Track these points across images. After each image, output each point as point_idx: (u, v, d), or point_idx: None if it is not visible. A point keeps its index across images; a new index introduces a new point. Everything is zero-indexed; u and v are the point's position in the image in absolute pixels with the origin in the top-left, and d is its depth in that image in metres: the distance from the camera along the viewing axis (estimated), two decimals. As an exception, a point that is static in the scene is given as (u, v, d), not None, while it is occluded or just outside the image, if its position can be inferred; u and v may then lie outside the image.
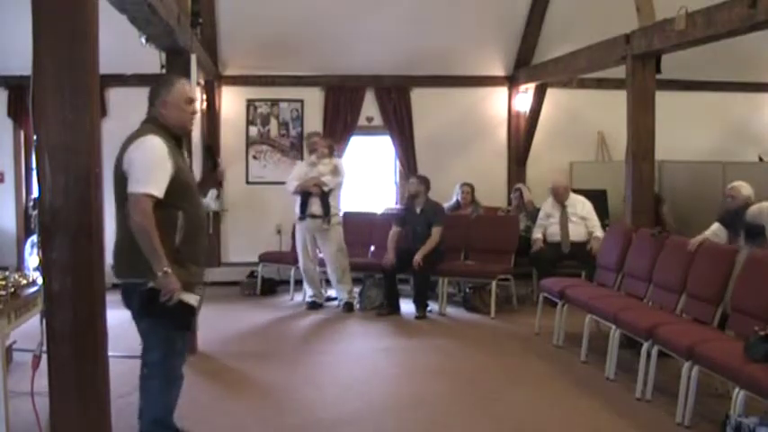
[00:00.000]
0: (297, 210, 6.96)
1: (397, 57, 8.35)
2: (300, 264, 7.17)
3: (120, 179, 3.02)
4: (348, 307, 6.99)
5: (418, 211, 7.02)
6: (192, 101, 3.26)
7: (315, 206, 6.86)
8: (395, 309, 6.85)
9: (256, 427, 3.94)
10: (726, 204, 5.67)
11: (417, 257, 6.69)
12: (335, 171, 6.89)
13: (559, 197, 7.20)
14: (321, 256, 7.12)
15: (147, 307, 3.04)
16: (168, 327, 3.15)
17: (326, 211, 6.83)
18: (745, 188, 5.58)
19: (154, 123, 3.16)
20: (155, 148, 3.03)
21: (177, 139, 3.22)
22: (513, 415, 4.15)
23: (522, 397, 4.46)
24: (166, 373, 3.25)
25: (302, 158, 8.33)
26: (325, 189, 6.82)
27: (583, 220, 7.05)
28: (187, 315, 3.11)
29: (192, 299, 3.07)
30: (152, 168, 3.00)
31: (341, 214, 7.11)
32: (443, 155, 8.74)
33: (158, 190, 2.97)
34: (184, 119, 3.23)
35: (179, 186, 3.08)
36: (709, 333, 4.15)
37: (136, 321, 3.22)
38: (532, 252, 7.08)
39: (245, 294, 7.83)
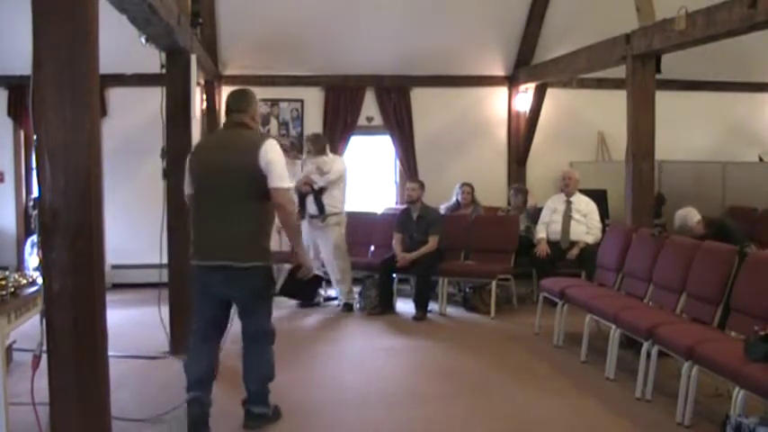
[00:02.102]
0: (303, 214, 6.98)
1: (397, 57, 8.35)
2: None
3: (252, 174, 3.57)
4: (347, 307, 6.98)
5: (415, 217, 7.02)
6: None
7: (311, 206, 6.89)
8: (388, 308, 6.86)
9: (256, 427, 3.94)
10: (697, 234, 5.70)
11: (406, 258, 6.75)
12: (320, 170, 6.87)
13: (569, 187, 7.19)
14: (321, 256, 7.14)
15: (290, 284, 4.09)
16: (299, 297, 4.09)
17: (321, 210, 6.84)
18: (690, 217, 5.66)
19: (250, 128, 3.81)
20: (281, 151, 3.72)
21: None
22: (513, 415, 4.15)
23: (521, 397, 4.46)
24: (271, 334, 3.85)
25: (301, 159, 8.35)
26: (315, 187, 6.82)
27: (585, 217, 7.05)
28: (319, 286, 4.05)
29: (320, 272, 3.76)
30: (285, 166, 3.68)
31: (343, 214, 7.05)
32: (443, 155, 8.75)
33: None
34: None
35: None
36: (710, 333, 4.15)
37: (245, 300, 3.72)
38: (536, 250, 7.06)
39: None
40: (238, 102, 3.82)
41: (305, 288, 4.02)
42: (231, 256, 3.58)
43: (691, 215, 5.66)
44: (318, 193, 6.83)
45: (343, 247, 7.02)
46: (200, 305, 3.81)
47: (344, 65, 8.44)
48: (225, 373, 4.59)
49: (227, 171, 3.61)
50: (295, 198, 6.94)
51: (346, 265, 7.01)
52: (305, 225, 7.00)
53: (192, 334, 3.84)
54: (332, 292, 7.33)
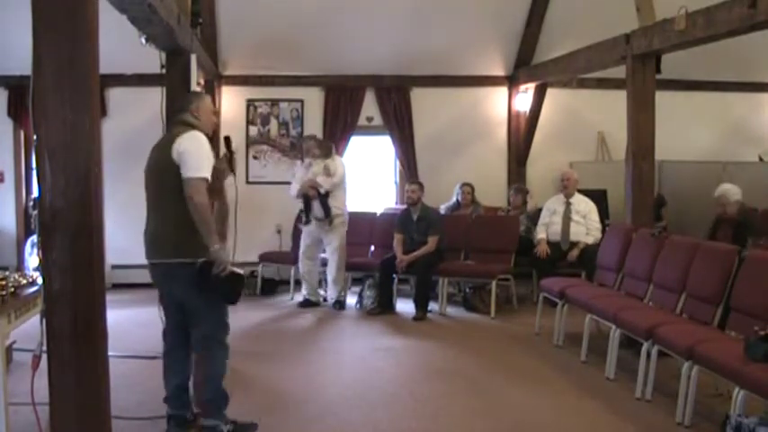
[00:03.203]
0: (303, 215, 7.11)
1: (397, 57, 8.35)
2: (301, 264, 7.24)
3: (167, 169, 3.47)
4: (339, 305, 7.06)
5: (415, 218, 7.04)
6: (214, 112, 3.90)
7: (316, 209, 6.99)
8: (388, 308, 6.87)
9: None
10: (724, 214, 5.69)
11: (405, 260, 6.77)
12: (327, 171, 6.96)
13: (568, 189, 7.20)
14: (324, 255, 7.23)
15: (203, 281, 3.45)
16: (219, 298, 3.54)
17: (327, 213, 6.93)
18: (732, 194, 5.64)
19: (188, 125, 3.64)
20: (203, 141, 3.56)
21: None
22: (513, 415, 4.15)
23: (521, 397, 4.46)
24: (220, 342, 3.67)
25: (302, 159, 8.35)
26: (321, 191, 6.91)
27: (584, 218, 7.06)
28: (238, 285, 3.57)
29: (240, 270, 3.48)
30: (203, 157, 3.50)
31: (346, 215, 7.15)
32: (443, 155, 8.75)
33: (209, 175, 3.50)
34: (210, 124, 3.82)
35: (214, 177, 3.59)
36: (710, 333, 4.15)
37: (183, 299, 3.62)
38: (537, 251, 7.07)
39: (244, 294, 7.76)
40: (180, 102, 3.87)
41: (221, 288, 3.45)
42: (161, 254, 3.56)
43: (733, 191, 5.67)
44: (325, 197, 6.94)
45: (344, 246, 7.14)
46: (163, 304, 3.84)
47: (344, 65, 8.44)
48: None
49: (152, 169, 3.62)
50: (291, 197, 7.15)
51: (344, 263, 7.15)
52: (306, 229, 7.13)
53: (162, 336, 3.85)
54: (321, 291, 7.39)
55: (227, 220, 3.84)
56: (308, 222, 7.07)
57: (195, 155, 3.47)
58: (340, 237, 7.07)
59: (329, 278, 7.16)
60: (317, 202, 6.95)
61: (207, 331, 3.62)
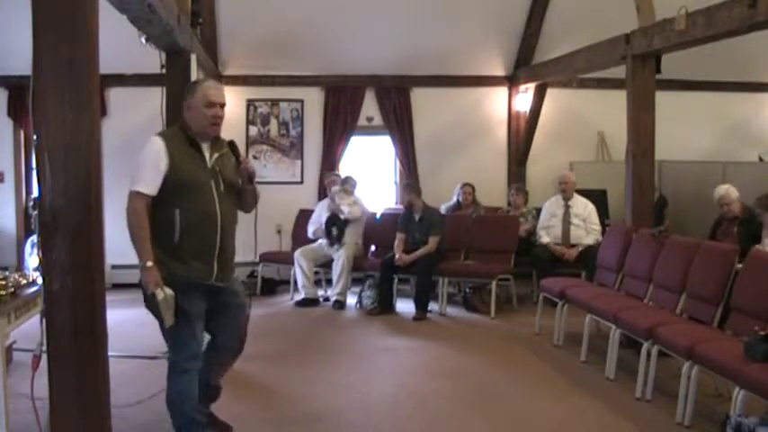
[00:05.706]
0: (324, 239, 7.40)
1: (397, 57, 8.35)
2: (298, 259, 7.31)
3: None
4: (339, 305, 7.08)
5: (417, 218, 7.05)
6: (211, 104, 3.30)
7: (335, 231, 7.31)
8: (388, 308, 6.87)
9: (257, 427, 3.94)
10: (726, 213, 5.71)
11: (405, 258, 6.80)
12: (354, 204, 7.33)
13: (567, 191, 7.20)
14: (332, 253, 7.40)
15: (144, 297, 3.29)
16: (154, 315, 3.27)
17: (339, 239, 7.25)
18: (732, 191, 5.70)
19: (178, 126, 3.35)
20: (149, 150, 3.21)
21: (194, 140, 3.31)
22: (513, 415, 4.15)
23: (521, 397, 4.46)
24: (174, 362, 3.37)
25: (301, 159, 8.38)
26: (341, 216, 7.20)
27: (584, 222, 7.07)
28: (152, 306, 3.21)
29: (159, 294, 3.15)
30: (143, 168, 3.19)
31: (360, 241, 7.52)
32: (443, 155, 8.75)
33: (148, 188, 3.16)
34: (204, 122, 3.30)
35: (177, 185, 3.20)
36: (710, 333, 4.15)
37: None
38: (563, 253, 7.04)
39: (244, 294, 7.82)
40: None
41: (149, 305, 3.26)
42: None
43: (731, 189, 5.75)
44: (344, 224, 7.23)
45: (354, 251, 7.35)
46: None
47: (344, 65, 8.44)
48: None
49: None
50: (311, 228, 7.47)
51: (351, 265, 7.24)
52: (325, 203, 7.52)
53: None
54: (321, 292, 7.43)
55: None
56: (333, 244, 7.30)
57: (138, 166, 3.20)
58: (350, 251, 7.25)
59: (335, 273, 7.19)
60: (335, 227, 7.22)
61: (168, 351, 3.41)
